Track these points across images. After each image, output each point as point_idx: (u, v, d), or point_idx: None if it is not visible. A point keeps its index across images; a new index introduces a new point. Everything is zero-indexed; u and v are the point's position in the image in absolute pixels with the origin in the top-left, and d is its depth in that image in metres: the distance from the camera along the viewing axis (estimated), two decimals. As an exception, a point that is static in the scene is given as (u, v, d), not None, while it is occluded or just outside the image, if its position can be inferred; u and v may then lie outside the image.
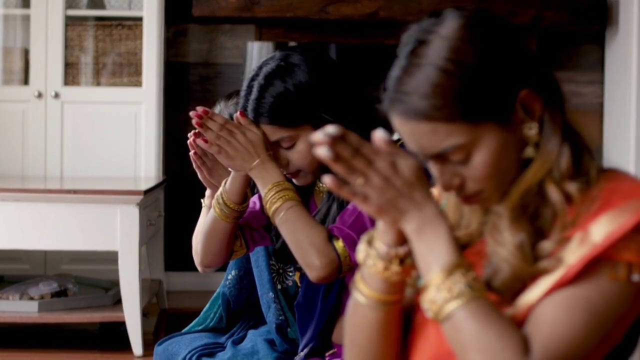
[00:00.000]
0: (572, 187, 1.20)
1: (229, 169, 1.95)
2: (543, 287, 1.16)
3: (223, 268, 2.21)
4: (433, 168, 1.24)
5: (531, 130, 1.23)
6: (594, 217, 1.16)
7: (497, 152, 1.21)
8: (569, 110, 1.26)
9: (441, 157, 1.22)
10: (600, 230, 1.14)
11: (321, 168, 1.88)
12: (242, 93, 1.94)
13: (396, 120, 1.22)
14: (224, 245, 2.01)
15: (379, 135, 1.17)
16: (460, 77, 1.18)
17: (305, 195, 2.03)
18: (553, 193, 1.20)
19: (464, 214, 1.33)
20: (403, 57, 1.22)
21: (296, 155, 1.91)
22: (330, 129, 1.14)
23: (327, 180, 1.13)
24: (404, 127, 1.21)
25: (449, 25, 1.21)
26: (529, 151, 1.23)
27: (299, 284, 2.09)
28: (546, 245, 1.19)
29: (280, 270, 2.13)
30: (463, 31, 1.20)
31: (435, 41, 1.20)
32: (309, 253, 1.84)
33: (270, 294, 2.12)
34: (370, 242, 1.24)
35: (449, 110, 1.18)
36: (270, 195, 1.88)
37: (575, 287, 1.14)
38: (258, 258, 2.15)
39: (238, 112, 1.91)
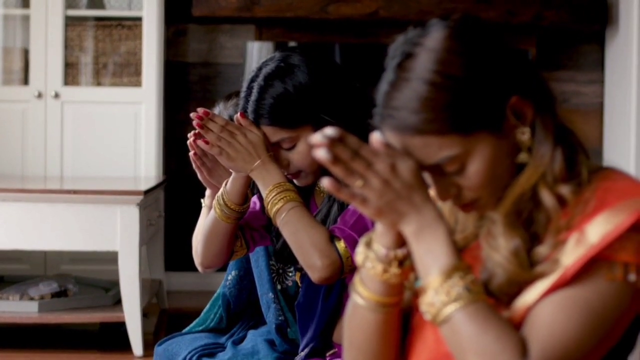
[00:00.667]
0: (565, 190, 1.20)
1: (230, 170, 1.95)
2: (540, 288, 1.16)
3: (223, 268, 2.21)
4: (429, 178, 1.24)
5: (524, 135, 1.22)
6: (589, 218, 1.16)
7: (491, 160, 1.20)
8: (562, 111, 1.26)
9: (436, 168, 1.22)
10: (597, 230, 1.14)
11: (322, 169, 1.87)
12: (242, 94, 1.94)
13: (388, 135, 1.22)
14: (224, 246, 2.01)
15: (376, 137, 1.17)
16: (448, 89, 1.17)
17: (305, 195, 2.03)
18: (546, 197, 1.20)
19: (459, 218, 1.33)
20: (391, 71, 1.22)
21: (297, 156, 1.91)
22: (329, 130, 1.14)
23: (325, 183, 1.13)
24: (396, 141, 1.21)
25: (435, 37, 1.20)
26: (523, 156, 1.23)
27: (299, 284, 2.09)
28: (541, 250, 1.19)
29: (280, 271, 2.13)
30: (449, 42, 1.19)
31: (422, 54, 1.19)
32: (311, 254, 1.84)
33: (270, 294, 2.12)
34: (369, 245, 1.24)
35: (440, 124, 1.17)
36: (272, 196, 1.88)
37: (573, 288, 1.14)
38: (258, 258, 2.14)
39: (238, 114, 1.91)
